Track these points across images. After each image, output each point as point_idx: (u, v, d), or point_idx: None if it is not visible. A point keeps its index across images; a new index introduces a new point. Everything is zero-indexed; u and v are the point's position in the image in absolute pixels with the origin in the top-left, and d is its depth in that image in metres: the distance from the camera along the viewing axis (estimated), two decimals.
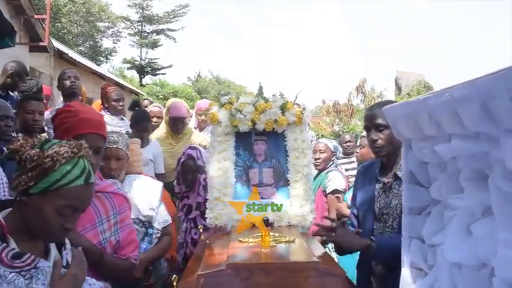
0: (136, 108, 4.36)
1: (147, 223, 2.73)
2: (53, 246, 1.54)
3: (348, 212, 3.91)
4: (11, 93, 4.49)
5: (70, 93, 4.45)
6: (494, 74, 0.98)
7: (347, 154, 5.74)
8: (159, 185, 2.91)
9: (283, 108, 2.75)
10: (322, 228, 2.24)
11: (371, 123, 2.25)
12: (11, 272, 1.35)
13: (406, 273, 1.69)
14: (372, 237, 2.18)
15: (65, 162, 1.42)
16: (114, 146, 2.55)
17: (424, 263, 1.63)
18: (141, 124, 4.15)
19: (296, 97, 2.84)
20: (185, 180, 3.35)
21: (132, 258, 2.05)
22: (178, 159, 3.49)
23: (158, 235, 2.80)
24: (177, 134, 4.50)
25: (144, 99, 7.84)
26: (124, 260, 2.02)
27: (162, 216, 2.79)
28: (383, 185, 2.30)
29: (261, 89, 2.84)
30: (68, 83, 4.42)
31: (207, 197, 2.75)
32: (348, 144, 5.89)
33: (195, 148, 3.48)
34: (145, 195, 2.72)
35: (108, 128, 2.32)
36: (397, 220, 2.20)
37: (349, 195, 4.02)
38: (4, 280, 1.34)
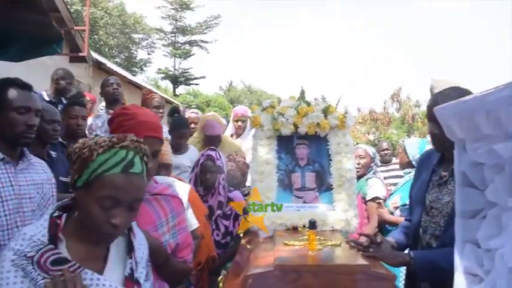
0: (175, 115, 4.41)
1: None
2: (115, 253, 1.49)
3: (390, 217, 3.84)
4: (63, 100, 4.71)
5: (113, 100, 4.57)
6: None
7: (384, 162, 5.67)
8: (186, 187, 2.79)
9: (326, 112, 2.73)
10: (357, 243, 2.15)
11: (430, 115, 2.12)
12: (44, 278, 1.31)
13: (460, 279, 1.64)
14: (411, 253, 2.11)
15: (102, 152, 1.38)
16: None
17: (480, 268, 1.58)
18: (180, 131, 4.19)
19: (338, 101, 2.81)
20: (204, 182, 3.34)
21: (188, 261, 2.05)
22: (196, 161, 3.50)
23: None
24: None
25: (185, 106, 7.93)
26: (183, 263, 2.02)
27: (188, 220, 2.61)
28: (439, 178, 2.24)
29: (303, 92, 2.83)
30: (110, 89, 4.55)
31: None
32: (385, 152, 5.82)
33: (214, 149, 3.50)
34: None
35: None
36: (445, 218, 2.13)
37: (390, 202, 3.96)
38: (35, 285, 1.31)
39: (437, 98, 2.14)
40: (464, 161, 1.63)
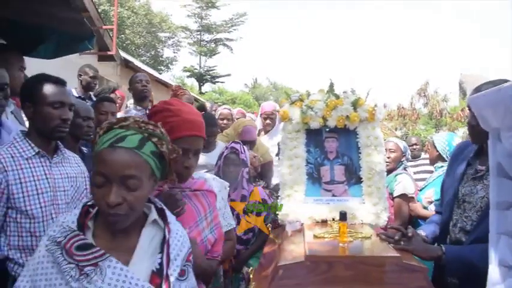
0: (203, 113, 4.43)
1: None
2: (146, 247, 1.45)
3: (424, 212, 3.78)
4: (92, 96, 4.83)
5: (141, 97, 4.63)
6: None
7: (413, 157, 5.60)
8: (224, 184, 2.56)
9: (355, 105, 2.71)
10: (388, 236, 2.13)
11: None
12: (69, 263, 1.32)
13: (494, 271, 1.61)
14: (443, 248, 2.07)
15: (103, 133, 1.40)
16: None
17: None
18: (208, 129, 4.18)
19: (368, 93, 2.78)
20: (227, 175, 3.25)
21: (218, 255, 2.06)
22: (220, 154, 3.46)
23: None
24: None
25: (213, 103, 7.98)
26: (214, 260, 2.03)
27: (226, 220, 2.43)
28: (474, 171, 2.20)
29: (331, 85, 2.81)
30: (139, 86, 4.61)
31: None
32: (414, 147, 5.75)
33: (238, 142, 3.48)
34: None
35: None
36: (478, 213, 2.09)
37: (423, 196, 3.89)
38: (58, 269, 1.33)
39: (480, 89, 2.10)
40: (499, 151, 1.60)
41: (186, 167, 1.86)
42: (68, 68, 5.69)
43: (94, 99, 4.70)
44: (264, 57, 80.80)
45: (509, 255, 1.57)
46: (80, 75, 4.92)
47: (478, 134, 2.08)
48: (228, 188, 2.60)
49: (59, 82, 2.35)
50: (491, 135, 1.63)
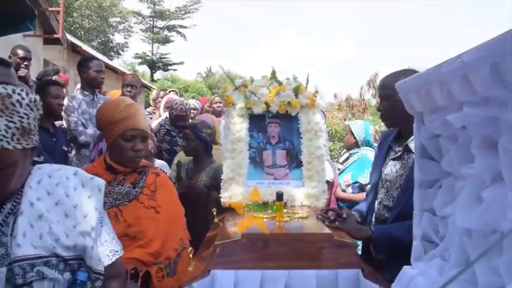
0: None
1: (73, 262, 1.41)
2: None
3: (343, 195, 3.98)
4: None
5: (94, 85, 4.49)
6: (504, 33, 1.01)
7: None
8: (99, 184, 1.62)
9: (297, 91, 2.80)
10: (323, 216, 2.25)
11: (379, 93, 2.37)
12: None
13: (417, 246, 1.72)
14: (372, 228, 2.20)
15: None
16: None
17: (435, 235, 1.67)
18: None
19: (307, 80, 2.87)
20: None
21: None
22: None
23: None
24: None
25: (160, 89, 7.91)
26: None
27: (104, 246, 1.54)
28: (394, 153, 2.34)
29: (274, 72, 2.88)
30: (98, 77, 4.41)
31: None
32: None
33: None
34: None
35: None
36: (398, 190, 2.23)
37: (342, 180, 4.07)
38: None
39: (386, 77, 2.34)
40: (423, 134, 1.72)
41: None
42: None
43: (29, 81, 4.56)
44: (218, 45, 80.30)
45: (430, 230, 1.69)
46: (10, 57, 4.74)
47: (386, 118, 2.36)
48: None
49: (4, 63, 2.31)
50: (416, 119, 1.74)
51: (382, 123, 2.57)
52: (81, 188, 1.48)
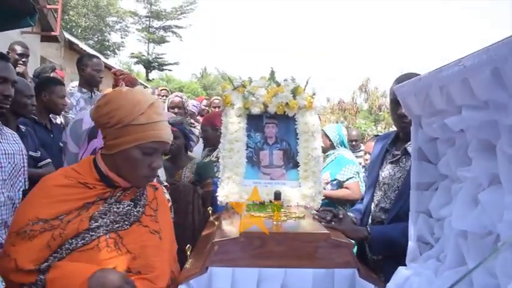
0: None
1: None
2: None
3: (330, 193, 4.08)
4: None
5: (93, 84, 4.48)
6: (505, 39, 1.04)
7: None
8: None
9: (295, 92, 2.82)
10: (320, 217, 2.28)
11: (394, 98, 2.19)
12: None
13: (413, 247, 1.74)
14: (368, 228, 2.22)
15: None
16: None
17: (431, 236, 1.70)
18: None
19: (307, 82, 2.90)
20: None
21: None
22: None
23: None
24: None
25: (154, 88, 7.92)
26: None
27: None
28: (392, 156, 2.36)
29: (273, 73, 2.91)
30: (96, 76, 4.40)
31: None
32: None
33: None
34: None
35: None
36: (395, 192, 2.25)
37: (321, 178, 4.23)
38: None
39: (401, 80, 2.25)
40: (420, 137, 1.74)
41: None
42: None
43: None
44: (214, 46, 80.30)
45: (426, 232, 1.72)
46: (8, 53, 4.73)
47: (408, 124, 2.23)
48: None
49: (2, 57, 2.30)
50: (414, 122, 1.77)
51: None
52: None
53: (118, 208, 1.66)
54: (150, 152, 1.64)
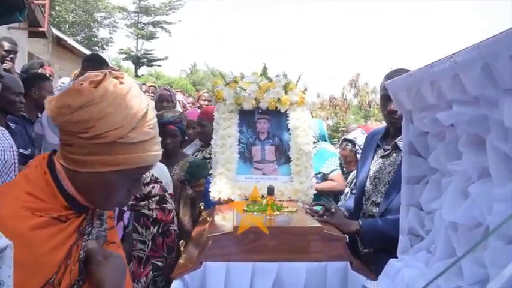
0: None
1: None
2: None
3: (318, 186, 4.12)
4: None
5: None
6: (496, 35, 1.06)
7: None
8: None
9: (286, 88, 2.84)
10: (312, 211, 2.31)
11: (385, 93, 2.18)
12: None
13: (404, 240, 1.78)
14: (360, 222, 2.24)
15: None
16: None
17: (422, 229, 1.73)
18: None
19: (299, 78, 2.92)
20: None
21: None
22: None
23: None
24: None
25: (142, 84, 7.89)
26: None
27: None
28: (383, 151, 2.39)
29: (265, 68, 2.92)
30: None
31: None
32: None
33: None
34: None
35: None
36: (386, 186, 2.28)
37: None
38: None
39: (391, 76, 2.27)
40: (411, 131, 1.77)
41: None
42: None
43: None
44: (203, 42, 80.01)
45: (417, 225, 1.75)
46: None
47: (398, 119, 2.24)
48: None
49: None
50: (405, 117, 1.79)
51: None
52: None
53: (90, 234, 1.28)
54: (133, 178, 1.24)
